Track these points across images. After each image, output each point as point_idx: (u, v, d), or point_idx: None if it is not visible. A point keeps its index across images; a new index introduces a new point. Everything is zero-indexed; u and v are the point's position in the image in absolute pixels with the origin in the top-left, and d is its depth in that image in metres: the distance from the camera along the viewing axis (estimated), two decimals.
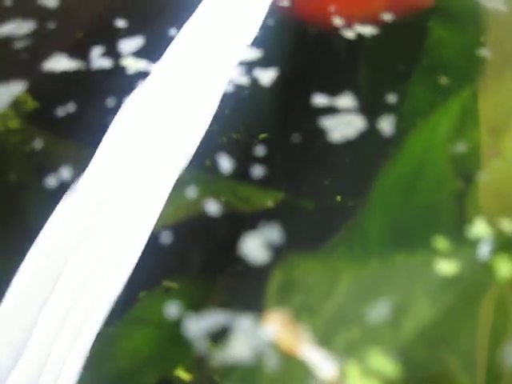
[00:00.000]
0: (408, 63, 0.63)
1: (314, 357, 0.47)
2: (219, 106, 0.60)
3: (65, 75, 0.60)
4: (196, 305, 0.51)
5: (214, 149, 0.58)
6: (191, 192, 0.55)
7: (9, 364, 0.45)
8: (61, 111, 0.59)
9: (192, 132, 0.58)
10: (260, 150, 0.57)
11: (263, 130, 0.59)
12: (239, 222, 0.54)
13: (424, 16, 0.66)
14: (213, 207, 0.54)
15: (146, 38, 0.63)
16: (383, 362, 0.46)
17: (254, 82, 0.60)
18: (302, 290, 0.50)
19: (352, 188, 0.56)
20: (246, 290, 0.51)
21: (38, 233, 0.51)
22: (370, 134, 0.57)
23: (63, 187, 0.55)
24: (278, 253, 0.52)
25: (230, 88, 0.60)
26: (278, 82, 0.61)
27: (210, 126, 0.59)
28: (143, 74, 0.61)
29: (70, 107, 0.60)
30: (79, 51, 0.62)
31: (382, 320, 0.48)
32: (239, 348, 0.48)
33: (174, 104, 0.59)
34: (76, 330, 0.48)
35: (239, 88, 0.60)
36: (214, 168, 0.57)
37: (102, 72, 0.61)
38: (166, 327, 0.52)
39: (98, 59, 0.61)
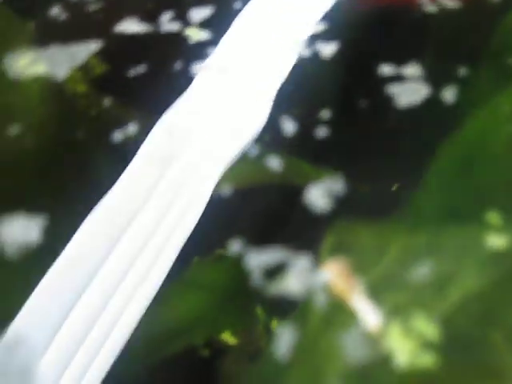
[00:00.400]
0: (479, 42, 0.63)
1: (363, 307, 0.48)
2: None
3: (134, 38, 0.62)
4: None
5: (274, 123, 0.58)
6: (251, 162, 0.56)
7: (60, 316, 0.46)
8: (129, 75, 0.61)
9: (258, 105, 0.58)
10: (321, 127, 0.58)
11: (326, 104, 0.60)
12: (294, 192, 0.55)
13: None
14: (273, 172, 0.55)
15: (214, 8, 0.63)
16: (425, 325, 0.46)
17: (316, 55, 0.61)
18: (351, 252, 0.51)
19: (409, 173, 0.56)
20: (305, 237, 0.53)
21: (104, 188, 0.53)
22: (434, 103, 0.57)
23: (130, 142, 0.56)
24: (340, 203, 0.53)
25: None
26: (342, 54, 0.61)
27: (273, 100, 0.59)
28: (205, 44, 0.61)
29: (139, 70, 0.61)
30: (149, 16, 0.63)
31: (428, 286, 0.48)
32: (293, 284, 0.49)
33: (240, 77, 0.59)
34: (132, 289, 0.49)
35: (301, 61, 0.60)
36: (272, 142, 0.57)
37: (170, 37, 0.62)
38: (217, 292, 0.53)
39: (167, 24, 0.62)
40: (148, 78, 0.61)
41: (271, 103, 0.57)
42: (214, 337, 0.52)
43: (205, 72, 0.57)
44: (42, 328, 0.45)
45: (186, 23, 0.63)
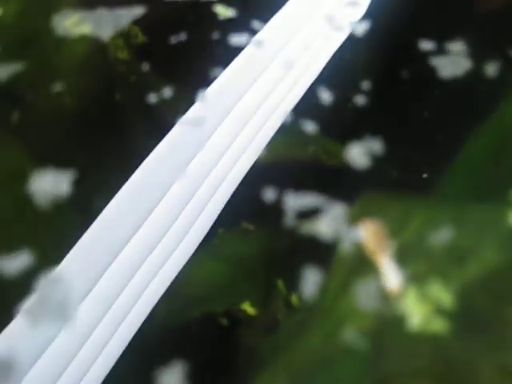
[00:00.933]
0: None
1: (388, 268, 0.48)
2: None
3: (175, 5, 0.62)
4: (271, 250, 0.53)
5: (312, 94, 0.59)
6: (283, 140, 0.56)
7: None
8: (168, 43, 0.61)
9: (296, 85, 0.58)
10: (359, 97, 0.58)
11: (365, 76, 0.60)
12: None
13: None
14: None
15: None
16: (441, 293, 0.47)
17: (351, 34, 0.61)
18: (378, 218, 0.51)
19: (441, 162, 0.56)
20: (341, 188, 0.53)
21: (137, 146, 0.53)
22: (475, 78, 0.58)
23: (164, 106, 0.57)
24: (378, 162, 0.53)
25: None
26: (384, 29, 0.61)
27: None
28: (233, 21, 0.62)
29: (178, 39, 0.62)
30: None
31: (448, 257, 0.49)
32: (323, 226, 0.50)
33: (286, 54, 0.59)
34: (168, 251, 0.50)
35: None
36: (308, 111, 0.58)
37: (207, 7, 0.63)
38: (240, 264, 0.54)
39: None
40: (186, 46, 0.62)
41: (312, 80, 0.58)
42: (233, 306, 0.52)
43: (251, 48, 0.58)
44: (83, 275, 0.46)
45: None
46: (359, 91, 0.58)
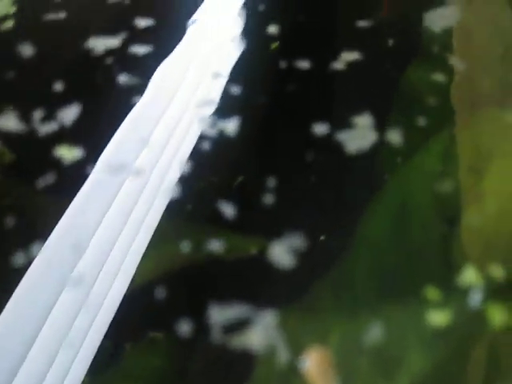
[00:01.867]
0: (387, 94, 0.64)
1: None
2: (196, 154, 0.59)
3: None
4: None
5: (193, 194, 0.57)
6: (174, 242, 0.55)
7: None
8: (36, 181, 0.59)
9: (169, 177, 0.57)
10: (234, 196, 0.57)
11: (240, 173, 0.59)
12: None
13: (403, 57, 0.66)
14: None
15: (82, 107, 0.63)
16: None
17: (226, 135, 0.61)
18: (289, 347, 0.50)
19: (337, 228, 0.56)
20: (268, 294, 0.52)
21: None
22: (380, 147, 0.58)
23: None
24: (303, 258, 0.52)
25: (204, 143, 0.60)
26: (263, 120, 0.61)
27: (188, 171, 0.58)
28: (77, 166, 0.60)
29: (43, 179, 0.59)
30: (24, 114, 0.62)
31: (376, 374, 0.48)
32: (254, 339, 0.48)
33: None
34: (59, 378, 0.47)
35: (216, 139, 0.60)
36: (192, 214, 0.57)
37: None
38: (153, 380, 0.52)
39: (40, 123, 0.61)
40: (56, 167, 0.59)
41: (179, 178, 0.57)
42: None
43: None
44: None
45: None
46: (263, 191, 0.58)
